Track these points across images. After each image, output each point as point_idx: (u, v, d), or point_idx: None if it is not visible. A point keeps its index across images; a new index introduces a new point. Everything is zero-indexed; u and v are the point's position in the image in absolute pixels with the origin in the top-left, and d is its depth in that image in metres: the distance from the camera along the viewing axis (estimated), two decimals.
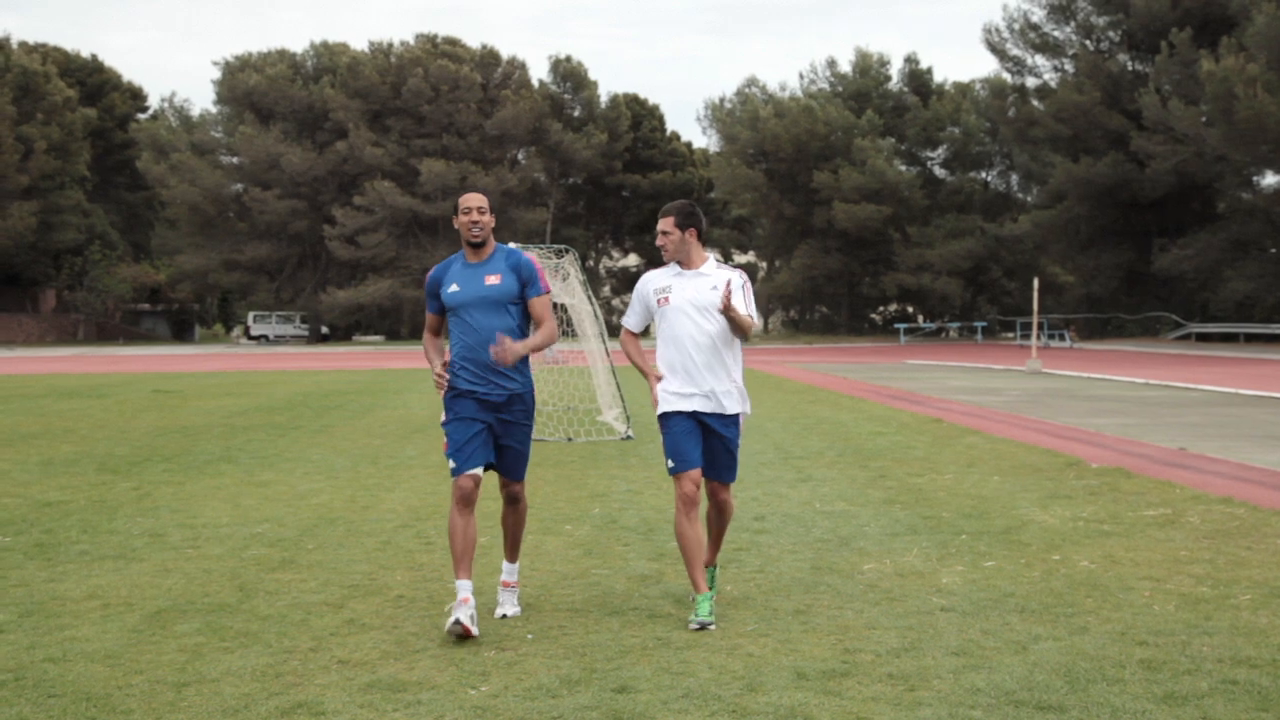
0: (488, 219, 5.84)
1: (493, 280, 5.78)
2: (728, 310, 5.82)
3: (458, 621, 5.36)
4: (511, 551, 6.09)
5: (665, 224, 6.06)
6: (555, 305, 17.19)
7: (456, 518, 5.75)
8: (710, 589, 5.91)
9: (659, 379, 6.00)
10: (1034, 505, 8.83)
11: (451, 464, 5.80)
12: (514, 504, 6.13)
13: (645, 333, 6.34)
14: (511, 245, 5.97)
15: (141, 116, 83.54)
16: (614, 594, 6.24)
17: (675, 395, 5.97)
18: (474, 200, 5.83)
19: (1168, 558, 6.94)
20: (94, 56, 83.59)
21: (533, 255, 5.35)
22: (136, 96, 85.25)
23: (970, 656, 5.01)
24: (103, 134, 77.96)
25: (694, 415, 5.95)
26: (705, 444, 5.99)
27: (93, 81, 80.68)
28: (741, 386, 6.08)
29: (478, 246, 5.86)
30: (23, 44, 75.44)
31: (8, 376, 31.11)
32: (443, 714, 4.40)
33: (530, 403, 5.99)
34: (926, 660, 4.97)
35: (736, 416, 6.04)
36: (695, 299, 5.98)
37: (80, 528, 8.25)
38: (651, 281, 6.17)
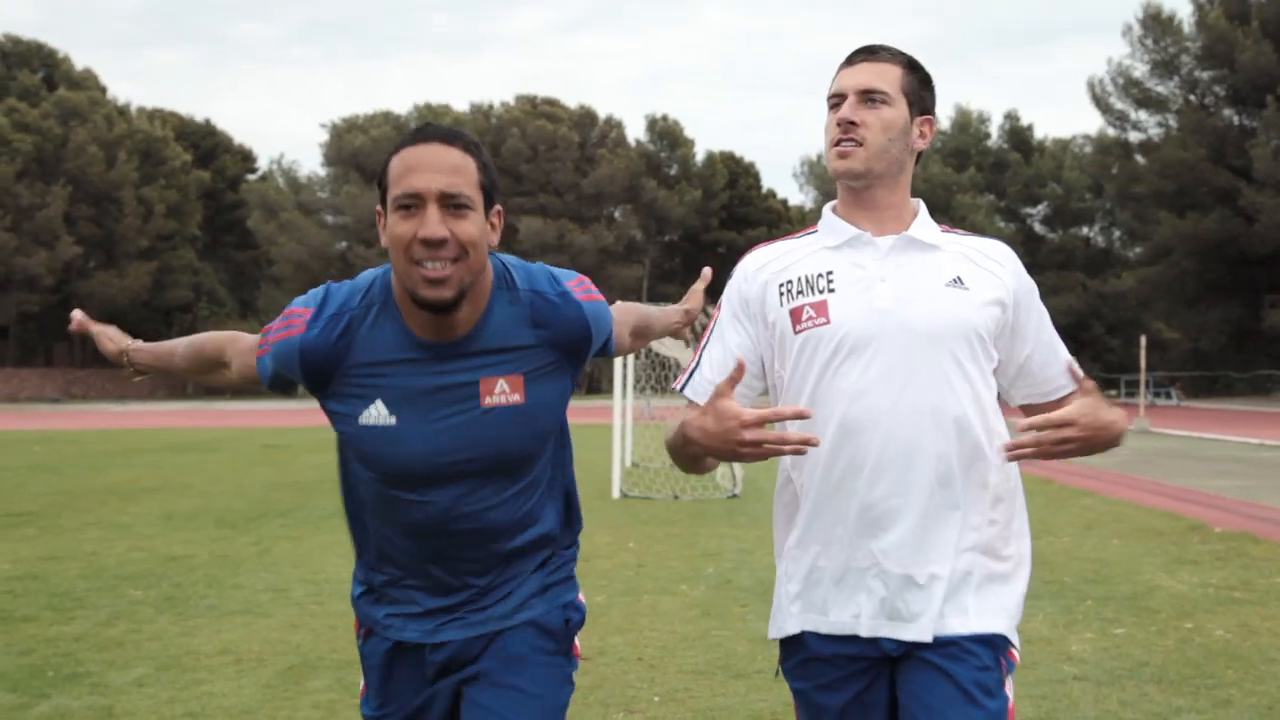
0: (469, 232, 2.22)
1: (505, 395, 2.35)
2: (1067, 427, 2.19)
3: None
4: None
5: (878, 73, 2.44)
6: (658, 362, 17.33)
7: None
8: None
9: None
10: (1159, 570, 8.61)
11: None
12: None
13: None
14: (513, 260, 2.46)
15: (251, 177, 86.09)
16: (736, 656, 6.20)
17: (813, 593, 2.42)
18: (428, 171, 2.20)
19: None
20: (207, 120, 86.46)
21: (580, 289, 2.44)
22: (247, 158, 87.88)
23: None
24: (214, 195, 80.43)
25: (870, 651, 2.38)
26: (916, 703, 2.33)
27: (206, 144, 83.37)
28: (1022, 552, 2.45)
29: (442, 309, 2.25)
30: (141, 110, 78.37)
31: (125, 431, 32.03)
32: None
33: (562, 626, 2.55)
34: None
35: (1000, 642, 2.34)
36: (915, 312, 2.36)
37: (206, 582, 8.44)
38: (769, 266, 2.49)
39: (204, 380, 2.87)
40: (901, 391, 2.34)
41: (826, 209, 2.54)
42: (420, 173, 2.21)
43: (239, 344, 2.66)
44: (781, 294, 2.45)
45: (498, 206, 2.34)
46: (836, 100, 2.47)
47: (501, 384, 2.35)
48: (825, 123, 2.50)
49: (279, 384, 2.43)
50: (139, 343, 2.91)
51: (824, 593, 2.40)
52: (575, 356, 2.43)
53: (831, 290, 2.40)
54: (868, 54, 2.49)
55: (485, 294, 2.34)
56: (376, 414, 2.35)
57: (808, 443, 2.10)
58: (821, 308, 2.40)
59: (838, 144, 2.44)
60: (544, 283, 2.41)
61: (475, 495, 2.41)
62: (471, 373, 2.34)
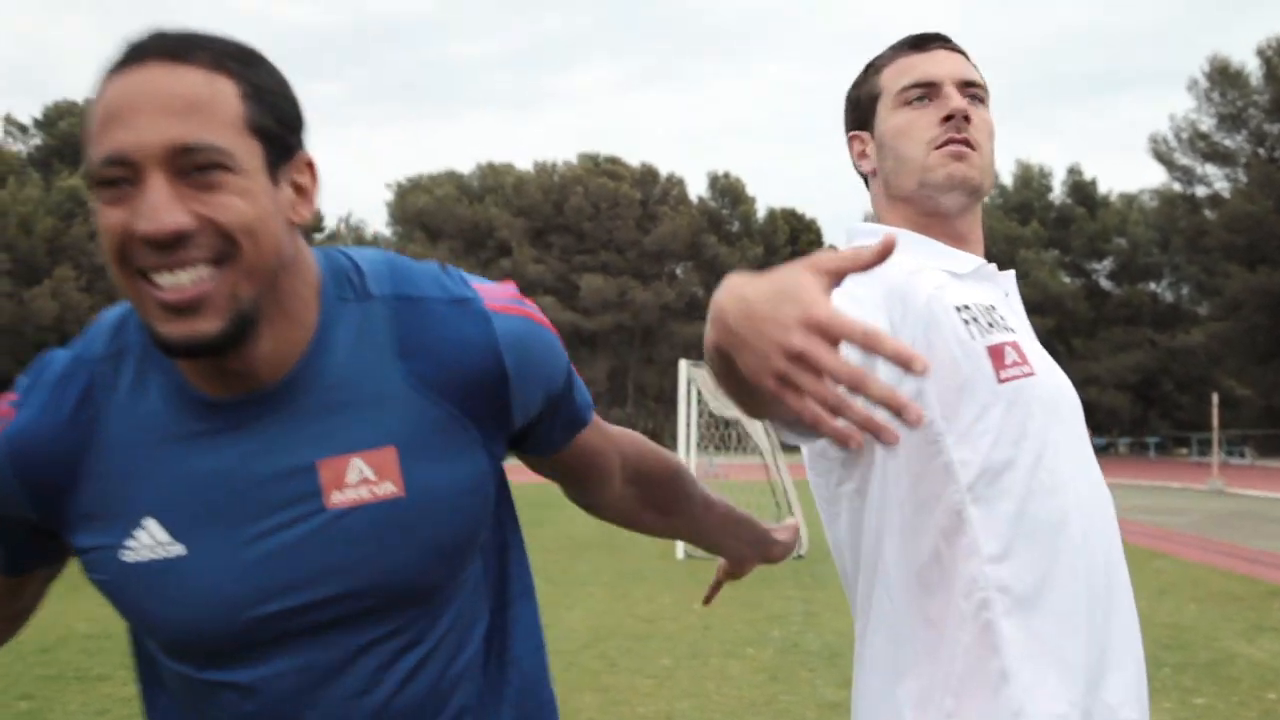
0: (233, 210, 1.16)
1: (368, 486, 1.26)
2: None
3: None
4: None
5: (967, 65, 1.76)
6: (721, 421, 17.20)
7: None
8: None
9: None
10: (1238, 637, 8.41)
11: None
12: None
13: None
14: (366, 252, 1.42)
15: (319, 236, 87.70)
16: None
17: None
18: (143, 114, 1.13)
19: None
20: None
21: (515, 302, 1.37)
22: (315, 217, 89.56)
23: None
24: None
25: None
26: None
27: None
28: None
29: (202, 353, 1.19)
30: None
31: None
32: None
33: None
34: None
35: None
36: (1057, 372, 1.68)
37: None
38: (925, 272, 1.61)
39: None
40: (1095, 478, 1.67)
41: (882, 228, 1.76)
42: (130, 119, 1.15)
43: None
44: (965, 321, 1.57)
45: (305, 156, 1.29)
46: (923, 90, 1.72)
47: (357, 465, 1.27)
48: (898, 123, 1.73)
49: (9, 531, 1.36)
50: None
51: None
52: (485, 408, 1.33)
53: (1011, 329, 1.62)
54: (943, 41, 1.78)
55: (309, 309, 1.30)
56: (150, 540, 1.26)
57: (903, 414, 0.99)
58: (1020, 351, 1.59)
59: (946, 144, 1.68)
60: (426, 283, 1.34)
61: (349, 669, 1.31)
62: (301, 450, 1.27)
